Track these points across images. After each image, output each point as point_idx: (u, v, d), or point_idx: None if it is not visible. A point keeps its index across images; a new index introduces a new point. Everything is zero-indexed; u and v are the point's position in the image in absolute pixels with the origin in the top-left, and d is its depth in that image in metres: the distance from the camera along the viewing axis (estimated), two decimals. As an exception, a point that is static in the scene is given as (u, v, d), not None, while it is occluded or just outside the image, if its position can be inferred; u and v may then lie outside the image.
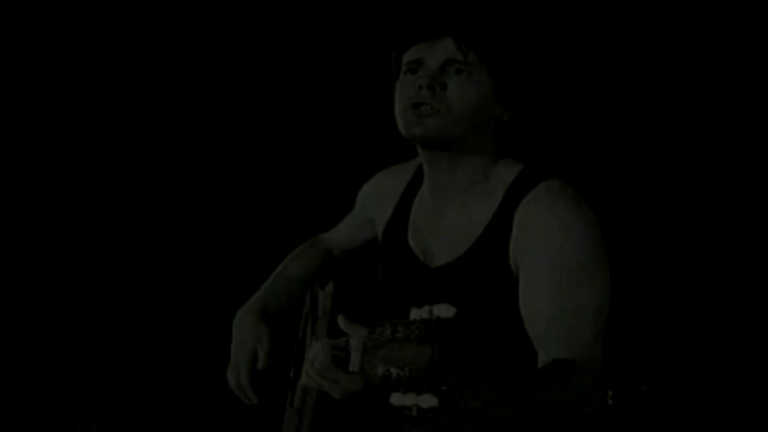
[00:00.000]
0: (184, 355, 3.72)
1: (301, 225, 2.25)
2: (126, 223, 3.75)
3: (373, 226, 1.77)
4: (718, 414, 3.46)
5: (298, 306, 1.94)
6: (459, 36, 1.47)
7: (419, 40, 1.51)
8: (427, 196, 1.60)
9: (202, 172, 3.71)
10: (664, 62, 3.98)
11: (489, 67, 1.48)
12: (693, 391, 3.49)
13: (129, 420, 3.71)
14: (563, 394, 1.31)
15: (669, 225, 3.84)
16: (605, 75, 3.84)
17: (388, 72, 1.59)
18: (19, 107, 3.66)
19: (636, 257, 3.63)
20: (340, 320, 1.15)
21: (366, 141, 3.46)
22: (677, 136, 4.01)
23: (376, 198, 1.75)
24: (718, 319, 3.57)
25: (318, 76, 3.60)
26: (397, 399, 1.02)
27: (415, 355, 1.01)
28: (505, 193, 1.49)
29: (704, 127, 3.97)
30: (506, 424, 1.28)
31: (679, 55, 3.94)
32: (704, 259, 3.68)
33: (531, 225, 1.43)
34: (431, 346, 1.01)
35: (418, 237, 1.60)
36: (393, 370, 1.02)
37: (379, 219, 1.72)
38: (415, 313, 1.04)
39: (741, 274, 3.61)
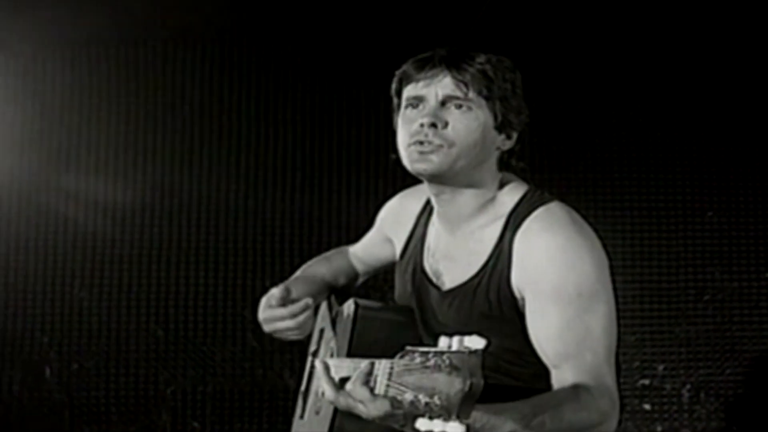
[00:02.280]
0: (191, 371, 3.86)
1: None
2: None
3: (392, 245, 1.87)
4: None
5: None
6: (457, 73, 1.55)
7: (419, 76, 1.59)
8: (439, 222, 1.70)
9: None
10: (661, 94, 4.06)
11: (488, 102, 1.56)
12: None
13: None
14: (586, 415, 1.39)
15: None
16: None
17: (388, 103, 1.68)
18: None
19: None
20: (375, 363, 1.21)
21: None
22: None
23: (394, 220, 1.85)
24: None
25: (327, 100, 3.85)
26: (423, 424, 1.08)
27: (446, 384, 1.06)
28: (506, 219, 1.57)
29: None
30: None
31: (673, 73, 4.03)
32: None
33: (530, 254, 1.51)
34: (462, 377, 1.06)
35: (433, 260, 1.69)
36: (422, 397, 1.07)
37: (397, 239, 1.83)
38: (444, 342, 1.11)
39: None
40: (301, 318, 1.69)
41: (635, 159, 4.01)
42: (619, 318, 1.56)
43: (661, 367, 3.97)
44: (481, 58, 1.57)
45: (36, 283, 3.82)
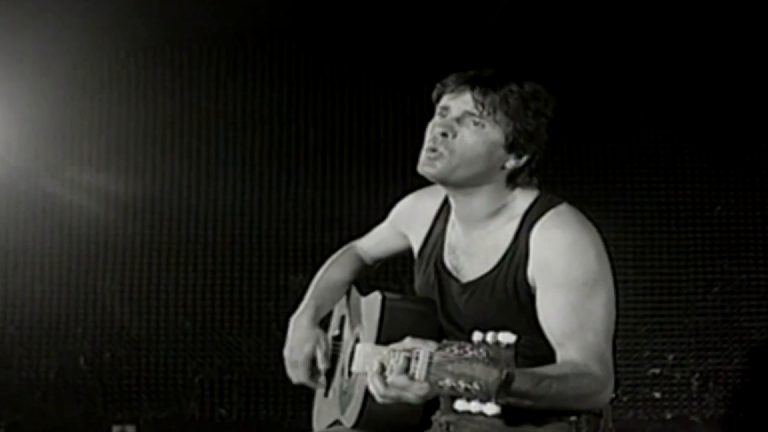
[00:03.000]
0: (217, 360, 3.98)
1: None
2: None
3: (405, 239, 2.03)
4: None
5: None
6: (478, 94, 1.70)
7: (451, 91, 1.75)
8: (456, 220, 1.86)
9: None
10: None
11: (501, 124, 1.71)
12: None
13: (167, 424, 3.95)
14: (586, 384, 1.56)
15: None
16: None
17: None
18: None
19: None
20: (408, 339, 1.37)
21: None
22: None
23: (410, 218, 2.00)
24: None
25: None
26: (461, 405, 1.25)
27: (484, 373, 1.23)
28: (521, 219, 1.74)
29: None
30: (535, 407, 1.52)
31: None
32: None
33: (544, 247, 1.69)
34: (499, 368, 1.23)
35: (453, 255, 1.85)
36: (462, 383, 1.23)
37: (413, 235, 1.98)
38: (478, 336, 1.27)
39: None
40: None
41: (646, 156, 4.09)
42: (618, 307, 1.72)
43: (671, 357, 4.05)
44: (512, 86, 1.70)
45: (70, 277, 3.94)
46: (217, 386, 3.96)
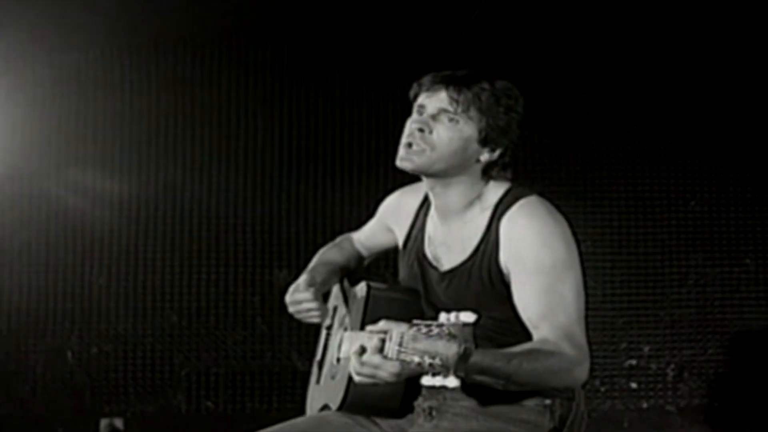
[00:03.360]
0: (204, 354, 4.01)
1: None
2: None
3: (392, 233, 2.12)
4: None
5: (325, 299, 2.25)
6: (453, 92, 1.79)
7: (426, 89, 1.84)
8: (436, 214, 1.94)
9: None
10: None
11: (475, 120, 1.80)
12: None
13: (154, 416, 3.99)
14: (558, 361, 1.63)
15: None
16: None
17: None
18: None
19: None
20: (383, 321, 1.46)
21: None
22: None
23: (395, 212, 2.09)
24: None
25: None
26: (427, 380, 1.36)
27: (444, 348, 1.33)
28: (492, 210, 1.83)
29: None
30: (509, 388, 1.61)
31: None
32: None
33: (513, 236, 1.77)
34: (458, 343, 1.34)
35: (432, 246, 1.94)
36: (426, 359, 1.34)
37: (398, 229, 2.07)
38: (443, 317, 1.38)
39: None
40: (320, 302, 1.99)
41: (623, 153, 4.16)
42: (587, 292, 1.80)
43: (647, 348, 4.12)
44: (484, 84, 1.79)
45: (57, 273, 3.96)
46: (203, 379, 4.00)
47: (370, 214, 2.35)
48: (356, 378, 1.49)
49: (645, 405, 4.12)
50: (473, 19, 3.92)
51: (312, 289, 1.99)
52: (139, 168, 4.02)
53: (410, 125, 1.84)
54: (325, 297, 2.14)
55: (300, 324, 2.52)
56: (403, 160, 1.82)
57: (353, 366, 1.48)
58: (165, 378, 3.99)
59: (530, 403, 1.78)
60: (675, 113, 4.17)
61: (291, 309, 2.03)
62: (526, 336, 1.71)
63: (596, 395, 4.09)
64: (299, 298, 2.00)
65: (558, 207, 1.85)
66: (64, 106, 4.00)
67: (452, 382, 1.34)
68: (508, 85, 1.84)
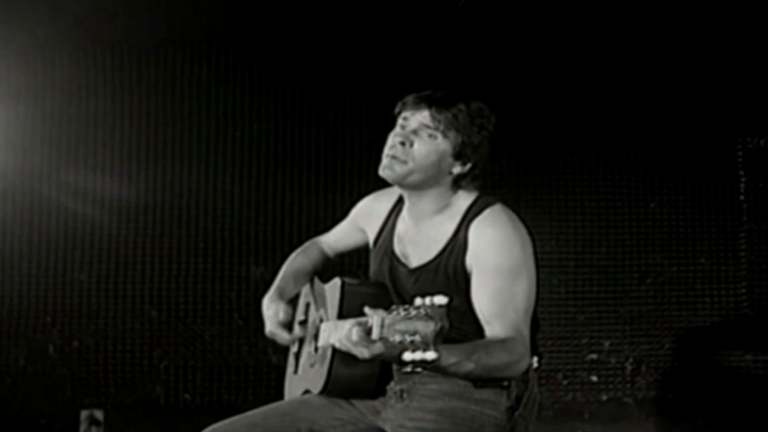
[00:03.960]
0: (182, 347, 4.07)
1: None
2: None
3: (363, 234, 2.29)
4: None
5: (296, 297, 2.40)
6: (434, 111, 1.98)
7: (410, 107, 2.03)
8: (407, 216, 2.12)
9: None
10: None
11: (450, 137, 1.98)
12: None
13: (133, 408, 4.04)
14: (507, 355, 1.82)
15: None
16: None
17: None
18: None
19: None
20: (367, 309, 1.63)
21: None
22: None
23: (368, 214, 2.26)
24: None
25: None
26: (408, 356, 1.52)
27: (423, 326, 1.51)
28: (462, 216, 2.01)
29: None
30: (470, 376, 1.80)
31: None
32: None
33: (480, 240, 1.96)
34: (435, 321, 1.51)
35: (401, 245, 2.11)
36: (407, 337, 1.51)
37: (369, 230, 2.24)
38: (419, 301, 1.55)
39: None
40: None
41: (586, 159, 4.29)
42: (539, 292, 1.97)
43: (607, 343, 4.25)
44: (461, 105, 1.99)
45: (39, 268, 4.01)
46: (181, 372, 4.06)
47: (344, 215, 2.48)
48: (357, 354, 1.65)
49: (605, 397, 4.24)
50: (447, 25, 4.03)
51: (281, 304, 2.22)
52: (121, 167, 4.07)
53: (393, 138, 2.02)
54: (295, 299, 2.33)
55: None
56: (386, 169, 2.01)
57: (346, 347, 1.65)
58: (144, 371, 4.04)
59: (490, 385, 1.95)
60: (637, 122, 4.30)
61: (267, 328, 2.25)
62: (479, 326, 1.89)
63: (559, 388, 4.21)
64: (280, 337, 2.22)
65: (518, 214, 2.02)
66: (48, 106, 4.04)
67: (431, 355, 1.51)
68: (481, 106, 2.03)
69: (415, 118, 2.01)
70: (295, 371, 2.26)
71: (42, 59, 4.03)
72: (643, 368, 4.26)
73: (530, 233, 1.97)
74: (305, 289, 2.33)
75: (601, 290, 4.27)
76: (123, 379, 4.04)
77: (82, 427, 4.01)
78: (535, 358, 1.96)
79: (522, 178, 4.23)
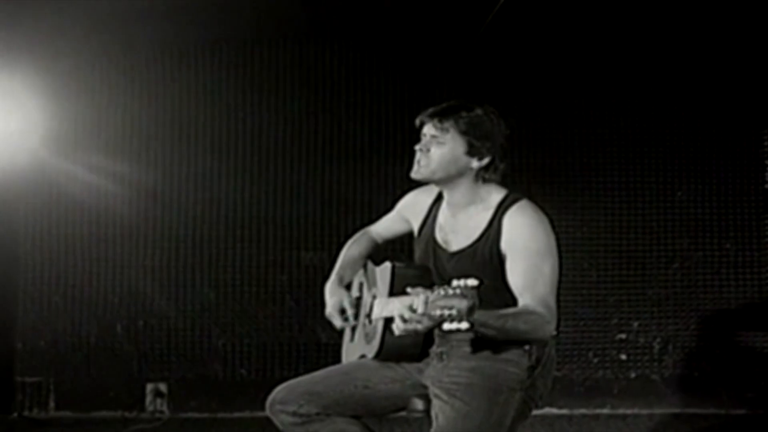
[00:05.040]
0: (238, 327, 4.32)
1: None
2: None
3: (408, 224, 2.60)
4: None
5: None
6: (438, 122, 2.33)
7: (423, 122, 2.38)
8: (446, 208, 2.43)
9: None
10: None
11: (459, 138, 2.31)
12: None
13: (194, 382, 4.30)
14: (535, 320, 2.12)
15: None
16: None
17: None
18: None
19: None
20: (410, 289, 1.94)
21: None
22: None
23: (413, 207, 2.57)
24: None
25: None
26: (447, 326, 1.84)
27: (458, 302, 1.83)
28: (496, 207, 2.32)
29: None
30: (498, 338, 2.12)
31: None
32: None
33: (513, 228, 2.26)
34: (467, 298, 1.83)
35: (442, 233, 2.42)
36: (446, 312, 1.82)
37: (414, 221, 2.55)
38: (456, 283, 1.86)
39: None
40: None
41: (617, 150, 4.43)
42: (561, 272, 2.25)
43: (635, 324, 4.42)
44: (462, 112, 2.32)
45: (107, 255, 4.30)
46: (237, 349, 4.32)
47: (385, 203, 2.76)
48: (399, 332, 1.98)
49: (633, 375, 4.42)
50: (483, 28, 4.21)
51: (341, 290, 2.55)
52: (180, 161, 4.33)
53: (417, 149, 2.38)
54: (350, 284, 2.63)
55: (324, 301, 2.80)
56: (415, 173, 2.38)
57: (397, 323, 1.96)
58: (204, 348, 4.31)
59: (514, 348, 2.27)
60: (665, 115, 4.43)
61: (328, 310, 2.55)
62: (513, 300, 2.18)
63: (589, 365, 4.40)
64: (333, 302, 2.54)
65: (543, 208, 2.32)
66: (109, 105, 4.31)
67: (465, 325, 1.83)
68: (486, 110, 2.34)
69: (428, 130, 2.36)
70: (351, 340, 2.58)
71: (75, 62, 4.29)
72: (670, 348, 4.41)
73: (552, 224, 2.26)
74: (359, 271, 2.63)
75: (630, 274, 4.42)
76: (184, 356, 4.31)
77: (148, 399, 4.28)
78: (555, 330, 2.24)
79: (556, 170, 4.41)
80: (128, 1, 3.94)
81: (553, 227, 2.26)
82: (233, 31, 4.33)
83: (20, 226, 4.30)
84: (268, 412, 2.42)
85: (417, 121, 2.40)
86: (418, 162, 2.36)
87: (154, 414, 4.29)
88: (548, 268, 2.19)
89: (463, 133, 2.31)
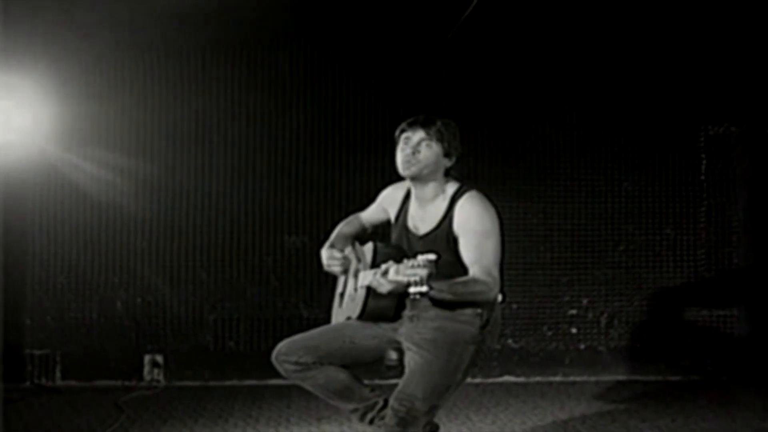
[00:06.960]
0: (227, 303, 4.56)
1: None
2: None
3: (386, 213, 3.06)
4: None
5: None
6: (426, 130, 2.77)
7: (409, 128, 2.81)
8: (415, 200, 2.89)
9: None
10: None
11: (439, 143, 2.76)
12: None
13: (187, 353, 4.52)
14: (480, 287, 2.59)
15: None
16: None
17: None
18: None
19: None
20: (388, 263, 2.41)
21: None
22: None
23: (390, 199, 3.04)
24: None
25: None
26: (412, 289, 2.30)
27: (422, 271, 2.28)
28: (451, 197, 2.78)
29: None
30: (453, 301, 2.58)
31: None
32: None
33: (463, 214, 2.72)
34: (427, 269, 2.29)
35: (413, 221, 2.89)
36: (411, 278, 2.29)
37: (391, 210, 3.01)
38: (420, 257, 2.31)
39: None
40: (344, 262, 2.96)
41: (569, 143, 4.70)
42: (504, 249, 2.69)
43: (585, 301, 4.74)
44: (438, 122, 2.78)
45: (109, 240, 4.56)
46: (227, 324, 4.58)
47: (364, 192, 3.21)
48: (380, 290, 2.47)
49: (582, 346, 4.73)
50: (451, 33, 4.50)
51: (333, 249, 2.95)
52: (174, 154, 4.58)
53: (404, 150, 2.80)
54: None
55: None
56: (406, 170, 2.80)
57: (377, 283, 2.46)
58: (196, 322, 4.57)
59: (468, 310, 2.75)
60: (613, 114, 4.71)
61: (325, 263, 2.95)
62: (465, 272, 2.65)
63: (543, 338, 4.71)
64: (327, 254, 2.94)
65: (489, 197, 2.77)
66: (112, 105, 4.56)
67: (425, 288, 2.30)
68: (451, 122, 2.81)
69: (416, 135, 2.79)
70: (340, 305, 3.06)
71: (83, 63, 4.51)
72: (615, 322, 4.72)
73: (497, 210, 2.73)
74: (348, 249, 3.08)
75: (581, 256, 4.74)
76: (179, 329, 4.56)
77: (146, 369, 4.54)
78: (500, 296, 2.71)
79: (513, 162, 4.69)
80: (139, 4, 4.20)
81: (498, 213, 2.72)
82: (233, 34, 4.57)
83: (29, 214, 4.56)
84: (273, 362, 2.88)
85: (401, 128, 2.82)
86: (409, 161, 2.77)
87: (152, 382, 4.52)
88: (492, 245, 2.65)
89: (441, 139, 2.77)
